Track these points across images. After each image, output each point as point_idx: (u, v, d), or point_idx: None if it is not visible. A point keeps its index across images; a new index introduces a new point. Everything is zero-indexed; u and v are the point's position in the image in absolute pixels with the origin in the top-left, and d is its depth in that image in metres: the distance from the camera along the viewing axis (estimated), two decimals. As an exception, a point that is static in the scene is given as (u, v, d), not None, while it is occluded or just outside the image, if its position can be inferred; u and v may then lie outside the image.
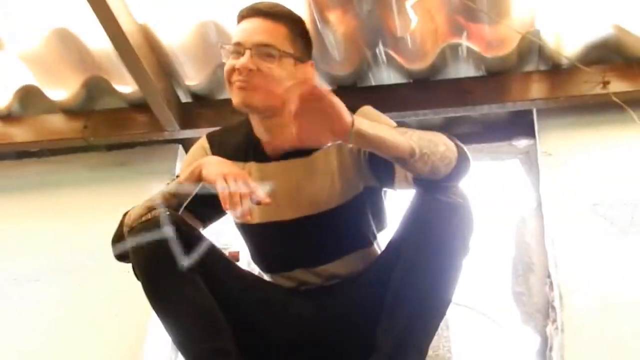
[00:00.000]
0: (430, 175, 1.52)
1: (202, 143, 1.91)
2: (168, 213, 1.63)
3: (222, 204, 1.52)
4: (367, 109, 1.77)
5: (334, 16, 2.21)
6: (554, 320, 2.17)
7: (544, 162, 2.37)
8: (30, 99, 2.66)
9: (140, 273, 1.62)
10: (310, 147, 1.55)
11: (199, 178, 1.65)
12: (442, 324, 1.74)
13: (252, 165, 1.80)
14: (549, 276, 2.27)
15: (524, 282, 2.38)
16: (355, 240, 1.79)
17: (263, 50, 1.70)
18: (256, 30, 1.73)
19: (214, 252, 1.74)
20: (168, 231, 1.58)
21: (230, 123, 1.97)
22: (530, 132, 2.48)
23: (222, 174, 1.57)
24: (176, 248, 1.58)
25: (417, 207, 1.59)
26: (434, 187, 1.55)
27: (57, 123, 2.63)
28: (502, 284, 2.43)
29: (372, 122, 1.49)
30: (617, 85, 2.31)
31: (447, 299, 1.57)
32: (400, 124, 1.71)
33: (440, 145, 1.51)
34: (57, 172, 2.68)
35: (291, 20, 1.79)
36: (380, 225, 1.85)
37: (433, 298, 1.54)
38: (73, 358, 2.32)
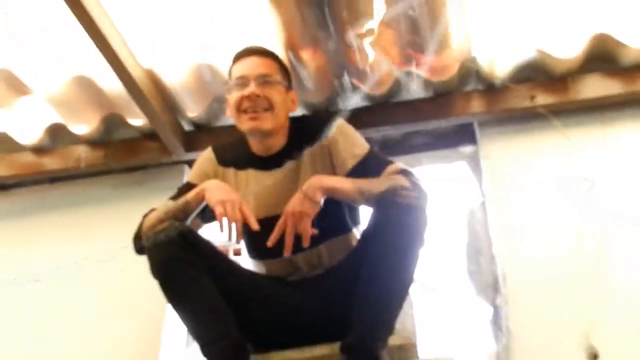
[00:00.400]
0: None
1: (209, 154, 2.06)
2: (177, 224, 1.77)
3: (219, 228, 1.69)
4: (342, 125, 1.95)
5: (306, 54, 2.37)
6: (501, 294, 2.28)
7: (485, 164, 2.49)
8: (58, 134, 2.76)
9: (156, 275, 1.74)
10: None
11: (202, 199, 1.79)
12: (407, 303, 1.88)
13: (250, 173, 1.97)
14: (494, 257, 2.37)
15: (476, 262, 2.48)
16: (336, 227, 1.93)
17: (264, 80, 1.90)
18: (255, 64, 1.94)
19: (216, 254, 1.87)
20: (177, 239, 1.72)
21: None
22: (472, 140, 2.59)
23: (221, 200, 1.72)
24: (184, 253, 1.72)
25: (380, 209, 1.75)
26: (393, 191, 1.74)
27: (83, 153, 2.73)
28: (458, 264, 2.53)
29: (330, 184, 1.76)
30: (542, 99, 2.44)
31: (408, 282, 1.73)
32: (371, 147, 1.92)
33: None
34: (85, 193, 2.78)
35: (277, 58, 2.01)
36: (355, 220, 2.00)
37: (395, 282, 1.70)
38: (101, 344, 2.41)
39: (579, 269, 2.21)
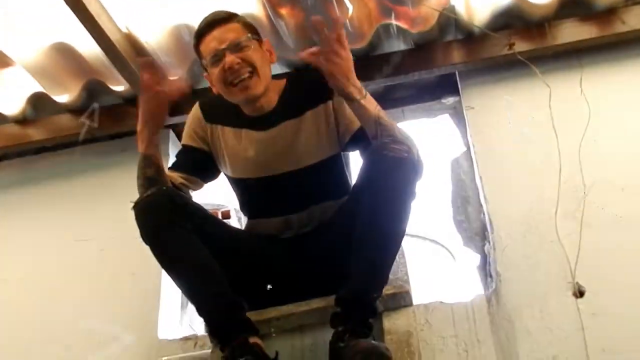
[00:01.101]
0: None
1: (195, 111, 1.94)
2: (164, 188, 1.68)
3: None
4: None
5: (284, 11, 2.25)
6: (489, 241, 2.23)
7: (468, 114, 2.41)
8: (40, 104, 2.64)
9: (147, 240, 1.66)
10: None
11: (147, 137, 1.74)
12: (399, 252, 1.78)
13: (247, 132, 1.85)
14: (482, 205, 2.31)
15: (463, 211, 2.43)
16: (335, 190, 1.86)
17: (237, 45, 1.76)
18: (221, 35, 1.79)
19: (206, 216, 1.79)
20: (165, 203, 1.64)
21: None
22: (455, 91, 2.50)
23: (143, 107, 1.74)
24: (173, 216, 1.64)
25: (370, 163, 1.66)
26: (383, 145, 1.63)
27: (66, 121, 2.61)
28: (445, 214, 2.50)
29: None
30: (521, 46, 2.35)
31: (401, 234, 1.64)
32: None
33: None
34: (70, 162, 2.67)
35: (235, 16, 1.85)
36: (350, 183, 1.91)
37: (389, 235, 1.62)
38: (103, 309, 2.32)
39: (563, 211, 2.15)
